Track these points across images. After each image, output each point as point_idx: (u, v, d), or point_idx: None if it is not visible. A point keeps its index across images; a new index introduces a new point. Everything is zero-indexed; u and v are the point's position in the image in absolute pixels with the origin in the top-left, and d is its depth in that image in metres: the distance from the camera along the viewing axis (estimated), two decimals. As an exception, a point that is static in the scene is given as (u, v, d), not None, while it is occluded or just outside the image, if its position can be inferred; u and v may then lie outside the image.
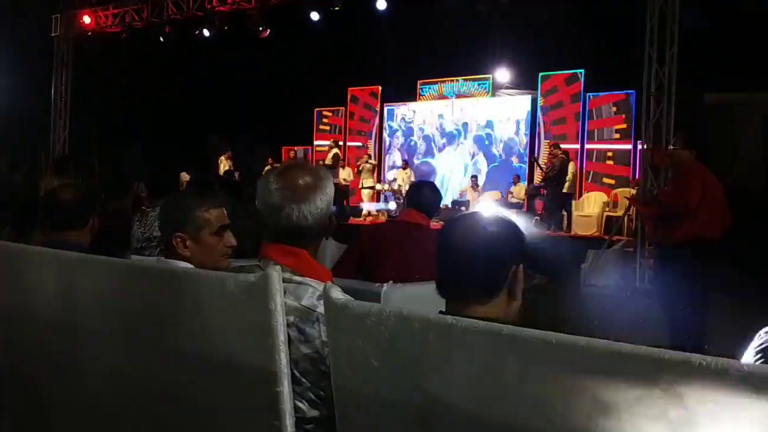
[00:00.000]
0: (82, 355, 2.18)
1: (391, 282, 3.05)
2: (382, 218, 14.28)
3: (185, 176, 13.00)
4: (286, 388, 1.62)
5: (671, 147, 4.75)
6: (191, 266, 2.09)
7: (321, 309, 1.61)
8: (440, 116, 16.41)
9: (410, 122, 16.93)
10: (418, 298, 2.39)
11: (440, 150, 16.45)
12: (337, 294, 1.50)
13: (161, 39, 15.15)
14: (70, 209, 2.88)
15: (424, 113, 16.69)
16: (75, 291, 2.14)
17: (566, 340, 1.22)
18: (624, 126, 13.30)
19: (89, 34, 15.47)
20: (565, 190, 12.58)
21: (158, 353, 1.93)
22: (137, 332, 2.00)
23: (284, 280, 1.65)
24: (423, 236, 3.16)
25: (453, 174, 16.17)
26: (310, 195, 1.77)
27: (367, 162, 15.78)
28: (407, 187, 12.66)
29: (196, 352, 1.81)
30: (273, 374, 1.61)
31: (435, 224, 3.35)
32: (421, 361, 1.37)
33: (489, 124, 15.64)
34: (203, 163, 11.71)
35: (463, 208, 14.30)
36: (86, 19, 15.19)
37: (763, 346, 1.44)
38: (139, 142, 15.33)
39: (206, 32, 14.53)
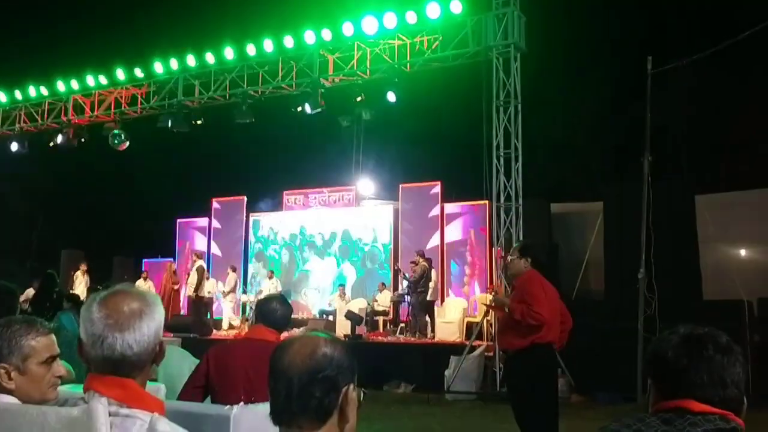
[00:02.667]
0: None
1: (241, 403, 2.97)
2: (246, 328, 13.92)
3: (30, 292, 12.17)
4: None
5: (507, 258, 4.99)
6: (15, 400, 1.95)
7: None
8: (306, 226, 16.54)
9: (276, 232, 16.94)
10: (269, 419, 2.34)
11: (307, 260, 16.49)
12: (163, 426, 1.46)
13: (13, 149, 14.54)
14: None
15: (291, 223, 16.78)
16: None
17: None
18: (481, 234, 13.97)
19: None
20: (428, 297, 12.88)
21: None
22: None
23: (110, 413, 1.58)
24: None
25: (320, 283, 16.18)
26: (135, 323, 1.67)
27: (230, 272, 15.54)
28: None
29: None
30: None
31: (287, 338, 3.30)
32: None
33: (353, 234, 15.93)
34: (50, 279, 11.05)
35: (330, 317, 14.25)
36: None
37: None
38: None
39: (61, 142, 14.12)
